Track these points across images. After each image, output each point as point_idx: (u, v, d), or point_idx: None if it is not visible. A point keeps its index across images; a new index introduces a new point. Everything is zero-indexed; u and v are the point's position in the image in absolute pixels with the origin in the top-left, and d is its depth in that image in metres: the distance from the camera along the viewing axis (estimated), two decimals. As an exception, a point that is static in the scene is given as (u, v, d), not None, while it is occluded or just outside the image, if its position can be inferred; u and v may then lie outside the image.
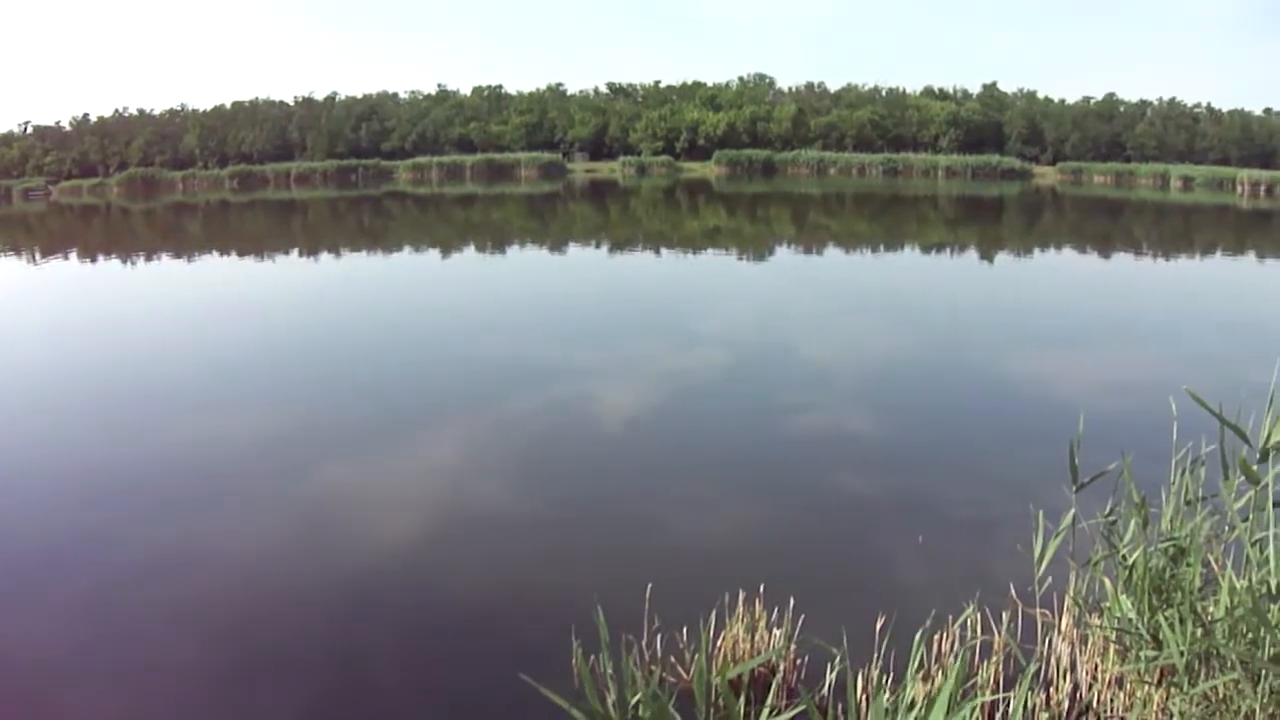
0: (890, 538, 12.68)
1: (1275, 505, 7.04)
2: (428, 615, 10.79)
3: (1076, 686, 8.18)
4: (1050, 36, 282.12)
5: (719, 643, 8.97)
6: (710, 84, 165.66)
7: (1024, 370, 22.64)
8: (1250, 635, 6.40)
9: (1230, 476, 7.12)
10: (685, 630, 8.83)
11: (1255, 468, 7.00)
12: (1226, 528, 7.22)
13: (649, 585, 9.16)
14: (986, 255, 51.06)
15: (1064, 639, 8.40)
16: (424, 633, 10.35)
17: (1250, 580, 6.69)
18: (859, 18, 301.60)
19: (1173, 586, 7.19)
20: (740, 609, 9.05)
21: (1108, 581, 8.03)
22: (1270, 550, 6.70)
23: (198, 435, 17.74)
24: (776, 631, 8.91)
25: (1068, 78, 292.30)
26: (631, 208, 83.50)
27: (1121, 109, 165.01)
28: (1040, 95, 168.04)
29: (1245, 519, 7.06)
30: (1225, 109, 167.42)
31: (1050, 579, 8.27)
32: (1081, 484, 7.68)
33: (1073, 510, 7.72)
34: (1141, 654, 7.30)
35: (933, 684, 7.87)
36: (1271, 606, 6.41)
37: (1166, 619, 7.02)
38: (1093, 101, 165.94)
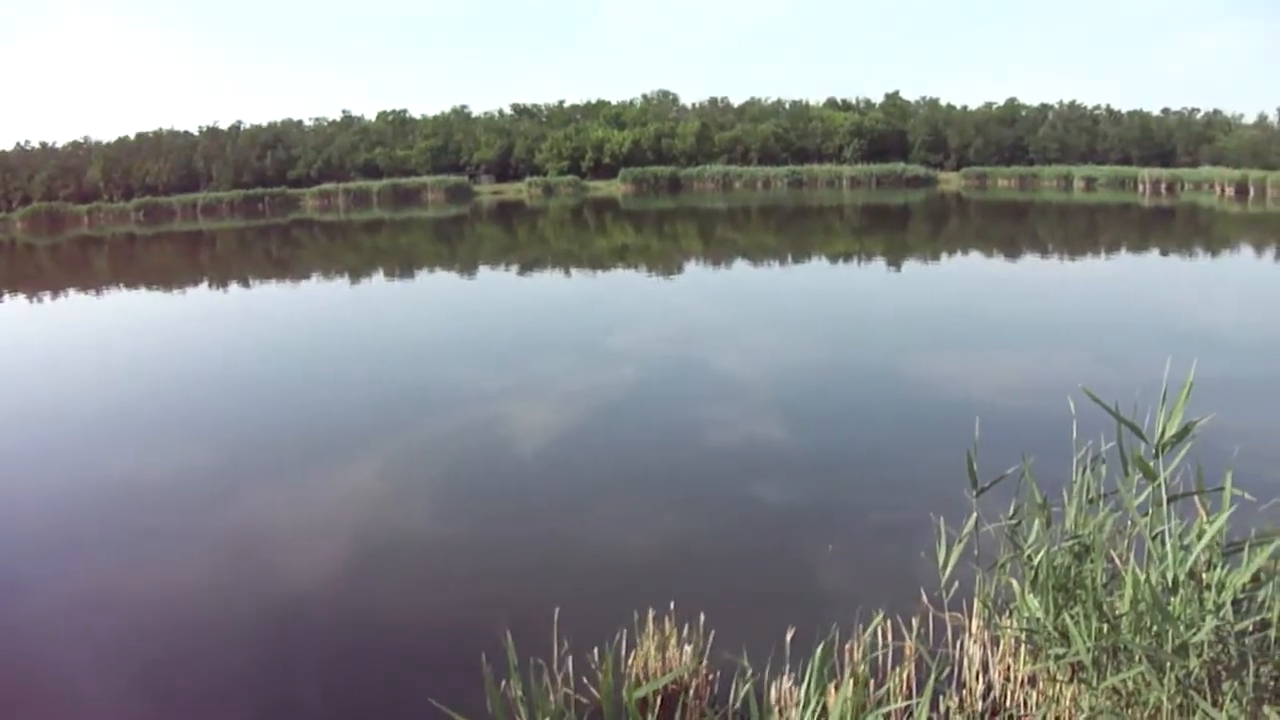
0: (801, 548, 12.68)
1: (1172, 500, 7.13)
2: (339, 644, 10.65)
3: (990, 687, 8.24)
4: (951, 45, 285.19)
5: (630, 662, 8.96)
6: (614, 102, 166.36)
7: (932, 375, 22.77)
8: (1154, 628, 6.47)
9: (1130, 473, 7.19)
10: (597, 650, 8.79)
11: (1152, 463, 7.08)
12: (1129, 524, 7.29)
13: (557, 608, 9.10)
14: (894, 263, 51.43)
15: (975, 641, 8.46)
16: (335, 661, 10.22)
17: (1149, 575, 6.76)
18: (761, 33, 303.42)
19: (1078, 584, 7.25)
20: (650, 627, 9.04)
21: (1015, 582, 8.09)
22: (1168, 544, 6.77)
23: (107, 471, 17.50)
24: (687, 648, 8.90)
25: (970, 84, 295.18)
26: (539, 228, 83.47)
27: (1023, 113, 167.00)
28: (943, 102, 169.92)
29: (1146, 514, 7.14)
30: (1125, 110, 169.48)
31: (960, 582, 8.33)
32: (982, 488, 7.75)
33: (974, 514, 7.78)
34: (1051, 652, 7.36)
35: (844, 693, 7.91)
36: (1172, 599, 6.47)
37: (1072, 617, 7.09)
38: (995, 107, 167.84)
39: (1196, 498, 7.05)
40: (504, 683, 7.68)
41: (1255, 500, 7.14)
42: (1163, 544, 6.78)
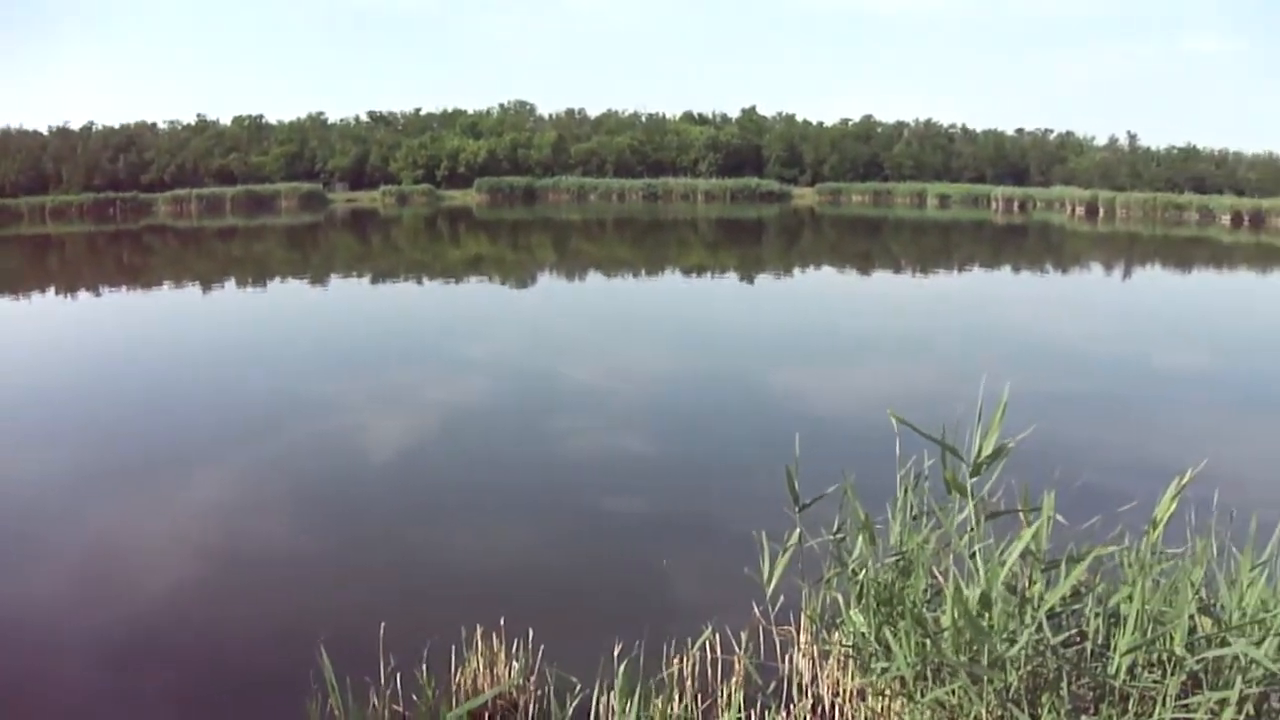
0: (636, 561, 12.71)
1: (991, 517, 7.25)
2: (160, 660, 10.48)
3: (818, 701, 8.31)
4: (809, 61, 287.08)
5: (457, 678, 8.92)
6: (471, 111, 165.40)
7: (776, 389, 23.00)
8: (973, 644, 6.57)
9: (952, 491, 7.31)
10: (426, 667, 8.73)
11: (972, 482, 7.20)
12: (953, 540, 7.40)
13: (383, 623, 9.04)
14: (746, 277, 51.77)
15: (804, 655, 8.54)
16: (162, 682, 10.07)
17: (965, 590, 6.87)
18: (619, 45, 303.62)
19: (900, 600, 7.35)
20: (479, 642, 9.00)
21: (840, 598, 8.17)
22: (982, 562, 6.89)
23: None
24: (515, 664, 8.89)
25: (827, 101, 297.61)
26: (393, 237, 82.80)
27: (879, 130, 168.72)
28: (799, 118, 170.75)
29: (968, 531, 7.24)
30: (980, 129, 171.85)
31: (791, 597, 8.41)
32: (804, 505, 7.81)
33: (798, 530, 7.85)
34: (876, 667, 7.45)
35: (672, 708, 7.94)
36: (988, 615, 6.58)
37: (894, 632, 7.18)
38: (851, 123, 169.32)
39: (1021, 514, 7.17)
40: (327, 701, 7.63)
41: (1066, 523, 7.29)
42: (980, 561, 6.89)
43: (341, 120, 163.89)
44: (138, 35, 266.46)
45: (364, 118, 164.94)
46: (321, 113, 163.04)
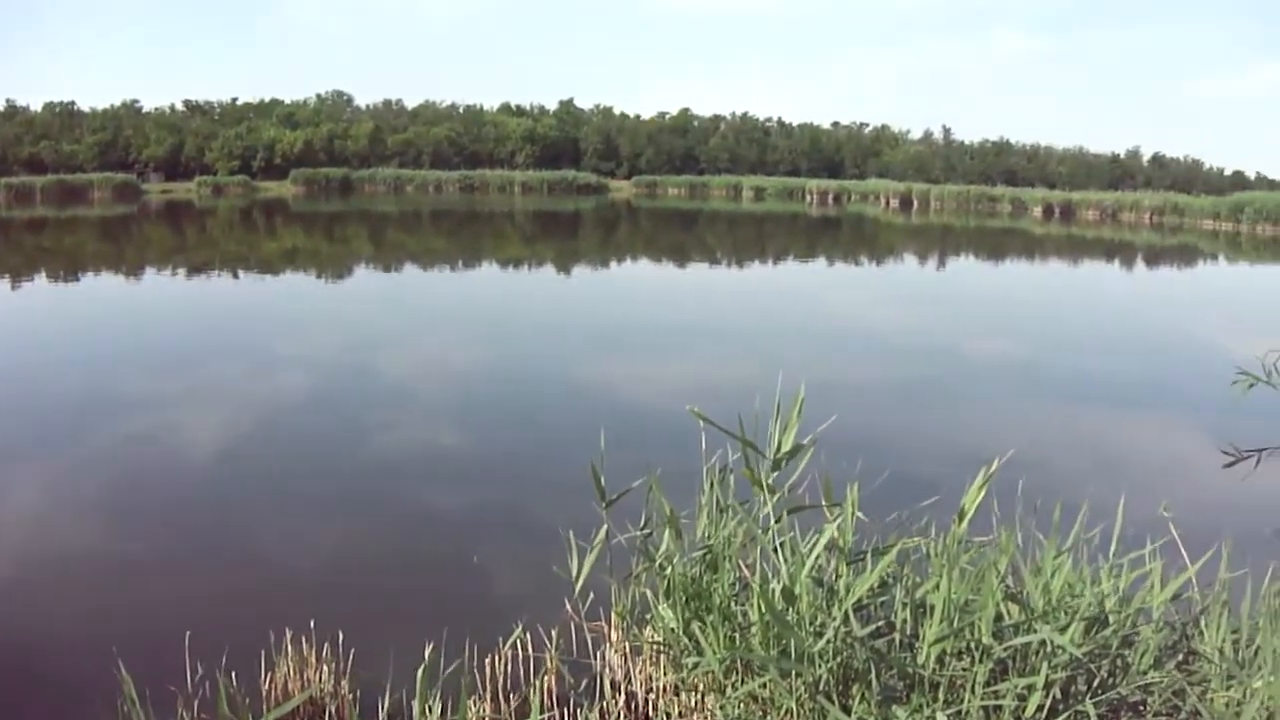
0: (446, 560, 12.50)
1: (795, 511, 7.28)
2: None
3: (631, 697, 8.28)
4: (626, 54, 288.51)
5: (267, 684, 8.74)
6: (288, 101, 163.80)
7: (591, 383, 22.95)
8: (780, 638, 6.58)
9: (754, 486, 7.32)
10: (234, 674, 8.54)
11: (774, 476, 7.23)
12: (758, 535, 7.40)
13: (188, 631, 8.83)
14: (563, 269, 51.76)
15: (616, 651, 8.50)
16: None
17: (766, 583, 6.89)
18: (437, 36, 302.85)
19: (708, 595, 7.34)
20: (289, 647, 8.84)
21: (649, 593, 8.15)
22: (787, 556, 6.91)
23: None
24: (326, 667, 8.75)
25: (644, 94, 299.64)
26: (208, 229, 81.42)
27: (695, 123, 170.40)
28: (616, 111, 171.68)
29: (771, 525, 7.24)
30: (795, 123, 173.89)
31: (596, 594, 8.37)
32: (610, 500, 7.78)
33: (605, 526, 7.81)
34: (687, 662, 7.44)
35: (484, 708, 7.88)
36: (793, 609, 6.60)
37: (702, 627, 7.18)
38: (668, 116, 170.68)
39: (825, 508, 7.20)
40: (128, 712, 7.45)
41: (871, 516, 7.35)
42: (783, 555, 6.91)
43: (157, 109, 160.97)
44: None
45: (180, 107, 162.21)
46: (136, 100, 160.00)
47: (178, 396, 21.52)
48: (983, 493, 6.90)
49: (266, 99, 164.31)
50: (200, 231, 79.57)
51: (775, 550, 7.00)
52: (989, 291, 47.45)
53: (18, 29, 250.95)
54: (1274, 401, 18.27)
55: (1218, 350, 25.98)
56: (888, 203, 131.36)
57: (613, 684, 8.34)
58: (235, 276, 46.78)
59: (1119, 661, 6.89)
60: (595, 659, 8.59)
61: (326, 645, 8.76)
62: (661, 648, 7.93)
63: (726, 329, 31.55)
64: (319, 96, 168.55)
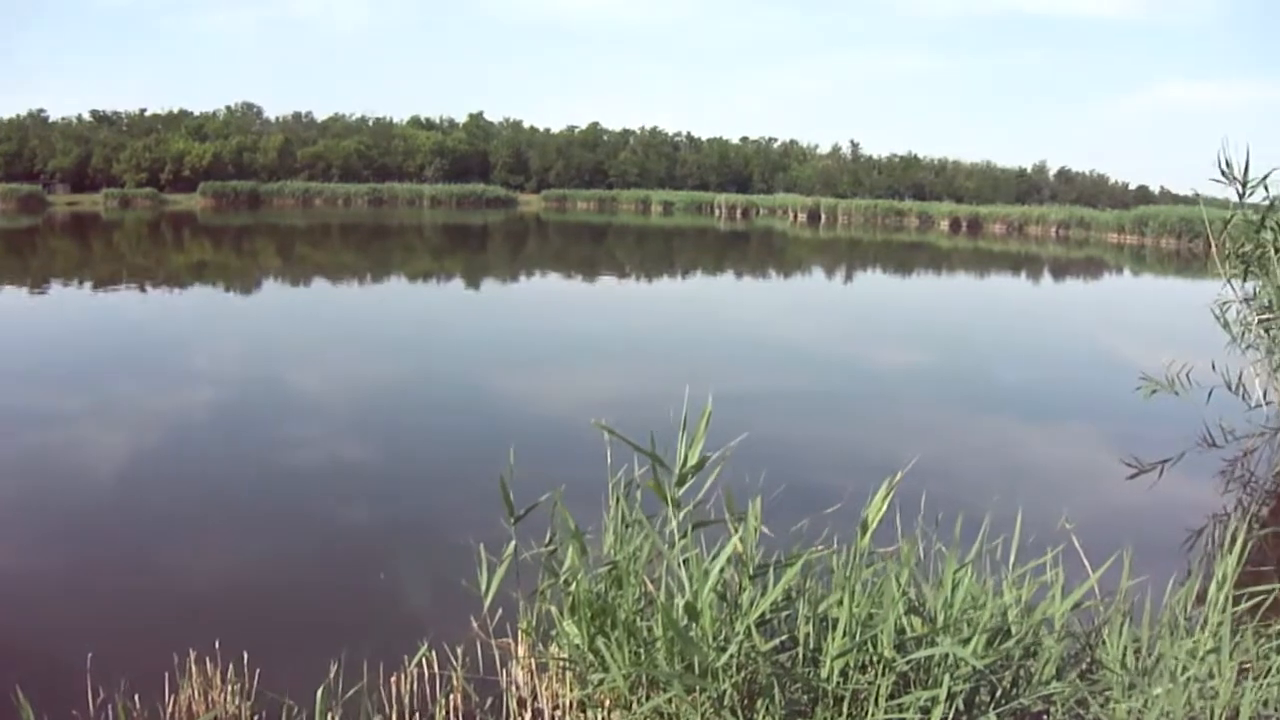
0: (353, 577, 12.39)
1: (700, 526, 7.29)
2: None
3: (538, 714, 8.25)
4: (537, 69, 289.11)
5: (171, 706, 8.63)
6: (197, 113, 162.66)
7: (501, 397, 22.89)
8: (684, 653, 6.58)
9: (661, 500, 7.33)
10: (138, 697, 8.43)
11: (680, 491, 7.24)
12: (664, 550, 7.39)
13: (90, 653, 8.73)
14: (472, 283, 51.70)
15: (522, 668, 8.48)
16: None
17: (670, 599, 6.90)
18: (348, 48, 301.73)
19: (613, 611, 7.33)
20: (193, 668, 8.73)
21: (554, 609, 8.13)
22: (686, 572, 6.92)
23: None
24: (231, 689, 8.65)
25: (554, 108, 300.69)
26: (115, 242, 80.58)
27: (605, 137, 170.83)
28: (526, 125, 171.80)
29: (678, 540, 7.24)
30: (705, 138, 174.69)
31: (503, 610, 8.34)
32: (519, 516, 7.75)
33: (513, 541, 7.79)
34: (592, 678, 7.43)
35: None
36: (696, 624, 6.60)
37: (607, 643, 7.17)
38: (577, 130, 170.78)
39: (729, 522, 7.20)
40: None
41: (774, 531, 7.36)
42: (688, 570, 6.91)
43: (63, 119, 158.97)
44: None
45: (87, 117, 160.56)
46: (42, 110, 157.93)
47: (78, 413, 21.20)
48: (886, 505, 6.93)
49: (175, 110, 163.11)
50: (107, 244, 78.67)
51: (680, 565, 7.00)
52: (896, 304, 47.99)
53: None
54: (1178, 410, 18.57)
55: (1123, 361, 26.27)
56: (796, 217, 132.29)
57: (519, 701, 8.32)
58: (142, 291, 46.30)
59: (1022, 672, 6.96)
60: (502, 676, 8.56)
61: (231, 665, 8.65)
62: (567, 664, 7.90)
63: (635, 343, 31.63)
64: (228, 108, 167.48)
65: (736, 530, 6.94)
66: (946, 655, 6.43)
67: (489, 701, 8.13)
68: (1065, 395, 25.32)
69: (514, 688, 8.43)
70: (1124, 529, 11.24)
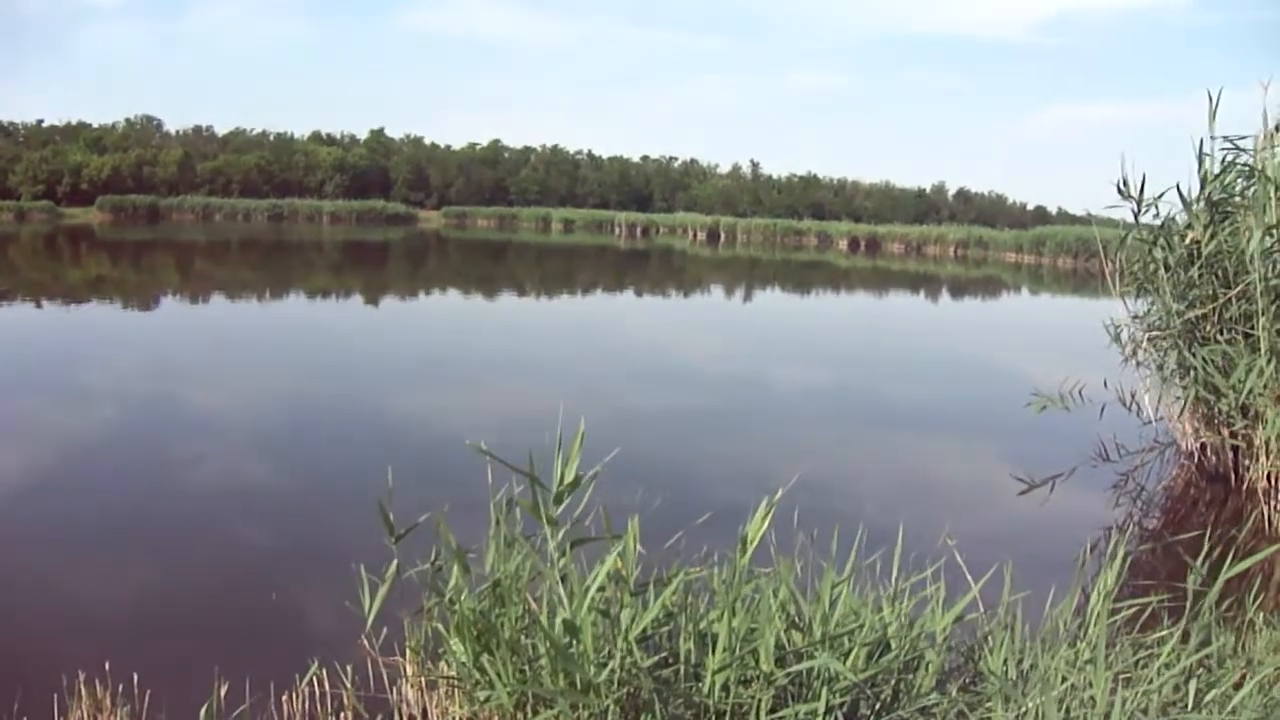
0: (243, 597, 12.29)
1: (575, 544, 7.35)
2: None
3: (429, 732, 8.29)
4: (438, 85, 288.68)
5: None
6: (96, 125, 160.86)
7: (394, 415, 22.84)
8: (565, 670, 6.64)
9: (538, 519, 7.38)
10: (26, 720, 8.37)
11: (558, 509, 7.31)
12: (544, 568, 7.44)
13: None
14: (370, 300, 51.54)
15: (412, 686, 8.50)
16: None
17: (559, 616, 6.96)
18: (249, 62, 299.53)
19: (498, 628, 7.36)
20: (82, 690, 8.65)
21: (440, 627, 8.15)
22: (571, 589, 6.98)
23: None
24: (121, 712, 8.58)
25: (455, 125, 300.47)
26: (10, 256, 79.49)
27: (506, 155, 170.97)
28: (427, 141, 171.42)
29: (558, 558, 7.30)
30: (606, 156, 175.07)
31: (390, 628, 8.37)
32: (399, 535, 7.76)
33: (395, 561, 7.79)
34: (479, 695, 7.47)
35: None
36: (577, 641, 6.66)
37: (491, 661, 7.22)
38: (478, 147, 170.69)
39: (608, 539, 7.26)
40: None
41: (650, 549, 7.44)
42: (567, 588, 6.98)
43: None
44: None
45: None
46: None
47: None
48: (767, 522, 7.03)
49: (74, 122, 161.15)
50: (1, 259, 77.85)
51: (560, 583, 7.06)
52: (794, 322, 48.30)
53: None
54: (1072, 426, 18.88)
55: (1019, 379, 26.54)
56: (695, 235, 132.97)
57: (409, 718, 8.35)
58: (38, 306, 45.79)
59: (902, 684, 7.07)
60: (392, 694, 8.57)
61: (121, 687, 8.59)
62: (455, 681, 7.94)
63: (530, 362, 31.61)
64: (128, 121, 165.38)
65: (615, 548, 7.01)
66: (825, 668, 6.52)
67: (379, 719, 8.15)
68: (960, 413, 25.65)
69: (404, 705, 8.45)
70: (1012, 543, 11.48)
